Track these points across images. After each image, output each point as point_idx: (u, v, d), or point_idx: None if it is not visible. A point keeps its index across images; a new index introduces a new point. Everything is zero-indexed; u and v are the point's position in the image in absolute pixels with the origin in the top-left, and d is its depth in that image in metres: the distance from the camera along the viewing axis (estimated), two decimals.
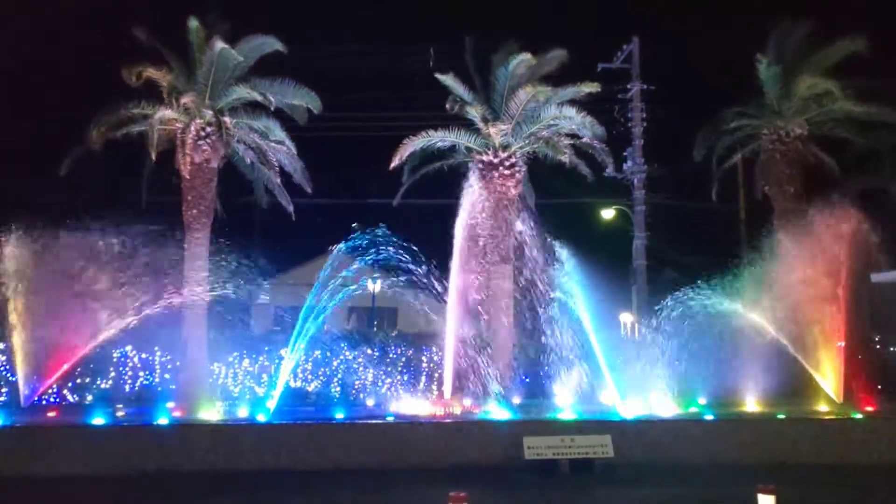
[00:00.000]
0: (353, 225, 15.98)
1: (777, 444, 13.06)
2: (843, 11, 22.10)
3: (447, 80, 18.78)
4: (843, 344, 15.84)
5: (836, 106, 19.17)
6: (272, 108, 18.07)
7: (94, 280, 15.51)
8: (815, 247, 16.30)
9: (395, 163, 19.16)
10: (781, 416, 14.05)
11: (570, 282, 15.63)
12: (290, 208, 20.05)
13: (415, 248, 15.97)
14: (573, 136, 19.15)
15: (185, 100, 17.67)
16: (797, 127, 20.04)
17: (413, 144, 19.06)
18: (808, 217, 16.94)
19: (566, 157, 18.66)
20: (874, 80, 18.49)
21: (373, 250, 15.90)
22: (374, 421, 13.69)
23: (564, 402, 15.55)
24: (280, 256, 30.27)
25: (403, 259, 16.08)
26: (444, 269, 16.57)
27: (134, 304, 15.48)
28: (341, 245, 15.67)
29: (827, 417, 14.51)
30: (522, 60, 18.30)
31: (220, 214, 19.15)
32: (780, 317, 16.07)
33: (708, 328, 16.40)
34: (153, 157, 17.35)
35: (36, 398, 15.14)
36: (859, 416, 14.26)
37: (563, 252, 15.95)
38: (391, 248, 15.84)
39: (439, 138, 19.14)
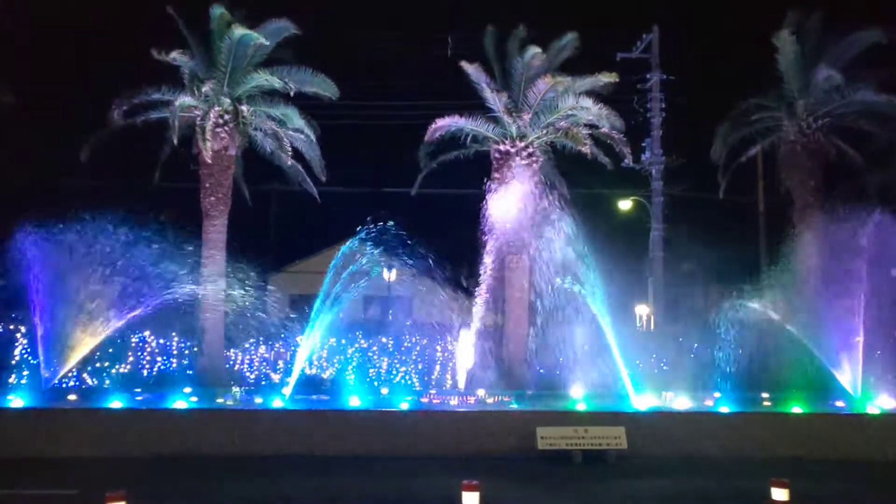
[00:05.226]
0: (368, 219, 16.01)
1: (792, 439, 13.00)
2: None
3: (470, 69, 18.58)
4: (861, 339, 15.64)
5: (857, 97, 18.80)
6: (291, 94, 18.01)
7: (113, 267, 15.64)
8: (836, 240, 16.08)
9: (428, 137, 18.94)
10: (797, 411, 13.92)
11: (586, 272, 15.55)
12: (315, 192, 20.05)
13: (429, 238, 15.99)
14: (591, 126, 18.97)
15: (205, 87, 17.74)
16: (818, 118, 19.71)
17: (444, 125, 18.91)
18: (830, 210, 16.70)
19: (586, 147, 18.45)
20: None
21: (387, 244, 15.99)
22: (388, 409, 13.76)
23: (578, 393, 15.53)
24: (297, 244, 30.65)
25: (419, 249, 16.12)
26: (457, 260, 16.58)
27: (152, 290, 15.63)
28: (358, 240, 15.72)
29: (843, 413, 14.37)
30: (536, 52, 18.15)
31: (239, 201, 19.24)
32: (799, 311, 15.92)
33: (727, 322, 16.31)
34: (175, 141, 17.44)
35: (56, 381, 15.34)
36: (877, 412, 14.13)
37: (580, 242, 15.87)
38: (406, 241, 15.89)
39: (464, 124, 19.02)
